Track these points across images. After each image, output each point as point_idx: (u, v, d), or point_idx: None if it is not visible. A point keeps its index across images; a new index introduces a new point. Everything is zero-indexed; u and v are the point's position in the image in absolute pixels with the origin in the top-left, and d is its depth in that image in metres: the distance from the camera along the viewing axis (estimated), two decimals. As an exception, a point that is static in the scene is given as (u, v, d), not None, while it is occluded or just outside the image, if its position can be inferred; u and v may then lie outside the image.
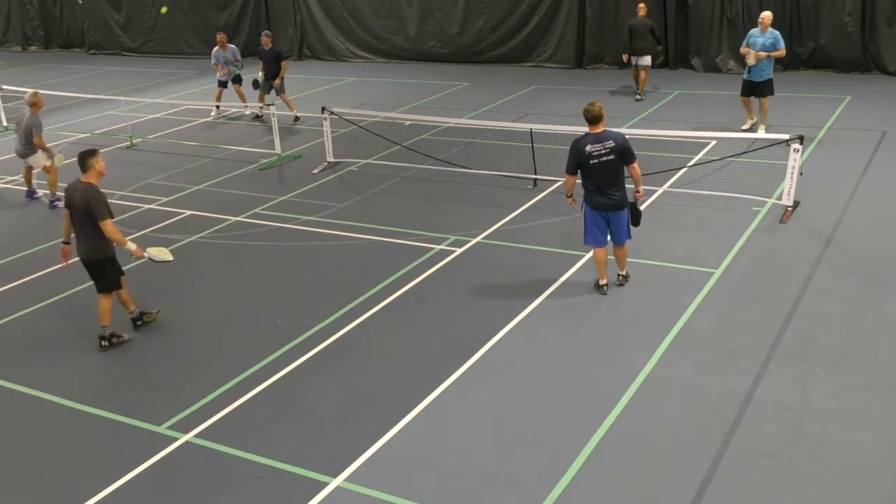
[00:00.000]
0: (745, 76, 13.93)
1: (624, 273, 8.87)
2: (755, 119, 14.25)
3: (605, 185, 8.41)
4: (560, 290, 8.91)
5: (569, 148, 8.57)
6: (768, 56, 13.45)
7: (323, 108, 13.88)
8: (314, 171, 13.58)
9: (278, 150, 14.41)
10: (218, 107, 17.82)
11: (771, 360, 7.35)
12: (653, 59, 17.78)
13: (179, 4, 26.34)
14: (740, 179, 11.51)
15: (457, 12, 22.31)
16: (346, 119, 14.66)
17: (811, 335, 7.75)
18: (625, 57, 17.51)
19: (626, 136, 8.62)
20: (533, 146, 12.26)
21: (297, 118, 16.97)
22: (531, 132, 12.45)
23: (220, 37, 17.84)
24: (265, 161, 14.26)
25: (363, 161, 13.88)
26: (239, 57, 17.86)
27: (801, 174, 10.62)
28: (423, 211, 11.64)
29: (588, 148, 8.33)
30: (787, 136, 10.48)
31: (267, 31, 17.36)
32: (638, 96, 17.46)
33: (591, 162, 8.33)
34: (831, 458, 6.09)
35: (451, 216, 11.29)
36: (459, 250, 10.10)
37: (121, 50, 28.15)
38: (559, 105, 17.13)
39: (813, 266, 9.11)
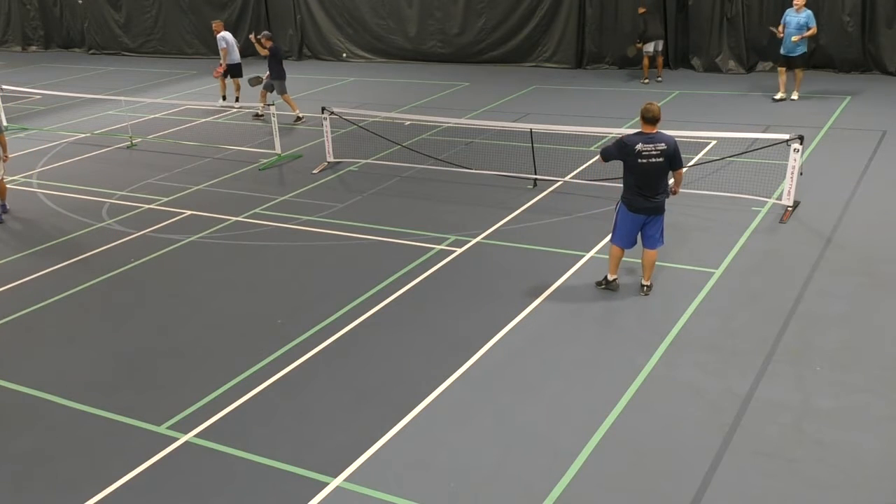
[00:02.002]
0: (781, 51, 16.07)
1: (648, 283, 8.70)
2: (785, 94, 16.28)
3: (647, 187, 8.29)
4: (560, 291, 8.91)
5: (616, 141, 8.42)
6: (802, 38, 15.54)
7: (323, 108, 13.88)
8: (314, 171, 13.59)
9: (278, 150, 14.41)
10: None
11: (771, 360, 7.35)
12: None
13: (179, 4, 26.35)
14: (740, 179, 11.51)
15: (457, 12, 22.30)
16: (346, 119, 14.66)
17: (811, 335, 7.76)
18: (638, 45, 18.59)
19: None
20: (533, 146, 12.26)
21: (298, 118, 16.98)
22: (531, 132, 12.45)
23: (216, 24, 18.27)
24: (265, 161, 14.26)
25: (363, 161, 13.88)
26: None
27: (801, 174, 10.62)
28: (423, 211, 11.64)
29: (639, 147, 8.17)
30: (787, 136, 10.47)
31: (266, 32, 17.24)
32: (659, 79, 18.83)
33: (640, 161, 8.19)
34: (831, 458, 6.09)
35: (451, 216, 11.29)
36: (459, 250, 10.10)
37: (121, 50, 28.14)
38: (559, 105, 17.15)
39: (813, 266, 9.11)
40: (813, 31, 15.63)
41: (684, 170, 8.47)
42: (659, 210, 8.43)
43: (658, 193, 8.36)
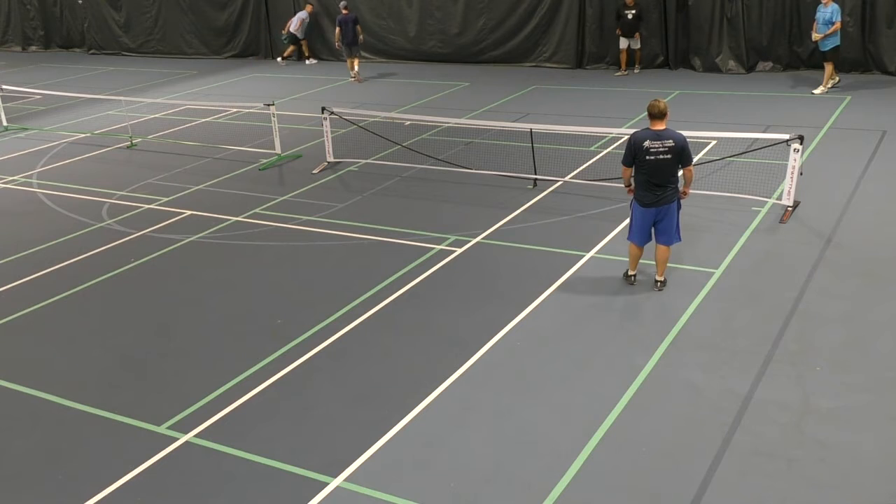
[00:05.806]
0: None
1: (662, 279, 8.75)
2: (824, 88, 16.87)
3: (655, 183, 8.37)
4: (560, 291, 8.91)
5: (627, 141, 8.52)
6: (824, 36, 16.20)
7: (323, 108, 13.88)
8: (314, 171, 13.58)
9: (278, 150, 14.41)
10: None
11: (771, 360, 7.35)
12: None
13: (179, 4, 26.35)
14: (740, 179, 11.51)
15: (457, 12, 22.29)
16: (346, 119, 14.66)
17: (811, 335, 7.76)
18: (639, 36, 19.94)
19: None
20: (533, 146, 12.26)
21: (355, 76, 20.74)
22: (531, 132, 12.45)
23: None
24: (265, 161, 14.26)
25: (363, 161, 13.88)
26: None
27: (801, 174, 10.62)
28: (423, 211, 11.64)
29: (646, 143, 8.25)
30: (787, 136, 10.47)
31: (344, 2, 20.75)
32: (637, 71, 20.12)
33: (647, 158, 8.27)
34: (831, 458, 6.09)
35: (451, 216, 11.29)
36: (459, 250, 10.10)
37: (121, 50, 28.13)
38: (559, 105, 17.15)
39: (813, 266, 9.11)
40: (837, 25, 16.04)
41: (693, 168, 8.52)
42: (668, 201, 8.45)
43: (667, 188, 8.39)
